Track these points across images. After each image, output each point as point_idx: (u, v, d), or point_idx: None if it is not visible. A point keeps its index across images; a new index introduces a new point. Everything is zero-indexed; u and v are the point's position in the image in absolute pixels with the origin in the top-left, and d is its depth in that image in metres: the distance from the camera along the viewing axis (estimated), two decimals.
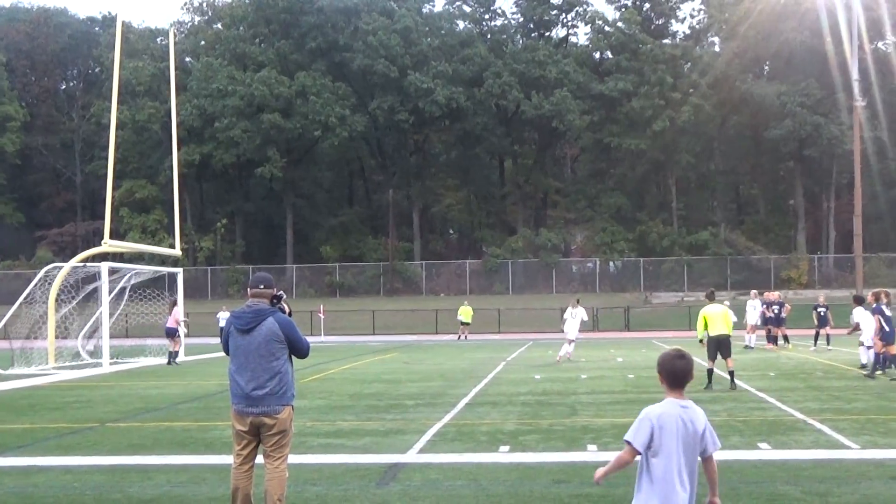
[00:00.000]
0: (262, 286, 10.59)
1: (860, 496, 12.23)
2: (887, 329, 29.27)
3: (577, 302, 38.65)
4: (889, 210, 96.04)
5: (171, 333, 41.37)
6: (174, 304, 42.19)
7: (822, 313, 44.29)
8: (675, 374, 7.09)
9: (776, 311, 44.66)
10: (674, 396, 7.12)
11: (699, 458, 7.14)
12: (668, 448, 6.98)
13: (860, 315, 32.51)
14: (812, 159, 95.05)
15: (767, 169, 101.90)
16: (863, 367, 31.91)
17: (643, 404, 21.30)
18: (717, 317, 26.03)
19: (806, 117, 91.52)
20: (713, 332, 25.87)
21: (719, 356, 26.04)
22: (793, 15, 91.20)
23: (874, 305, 29.77)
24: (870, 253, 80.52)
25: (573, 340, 38.04)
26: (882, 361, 29.84)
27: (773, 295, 47.67)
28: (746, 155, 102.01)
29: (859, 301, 33.69)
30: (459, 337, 64.87)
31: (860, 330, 32.29)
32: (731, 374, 26.31)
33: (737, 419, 19.41)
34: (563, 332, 38.85)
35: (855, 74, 65.88)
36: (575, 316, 37.72)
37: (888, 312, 29.56)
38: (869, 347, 31.76)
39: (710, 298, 26.90)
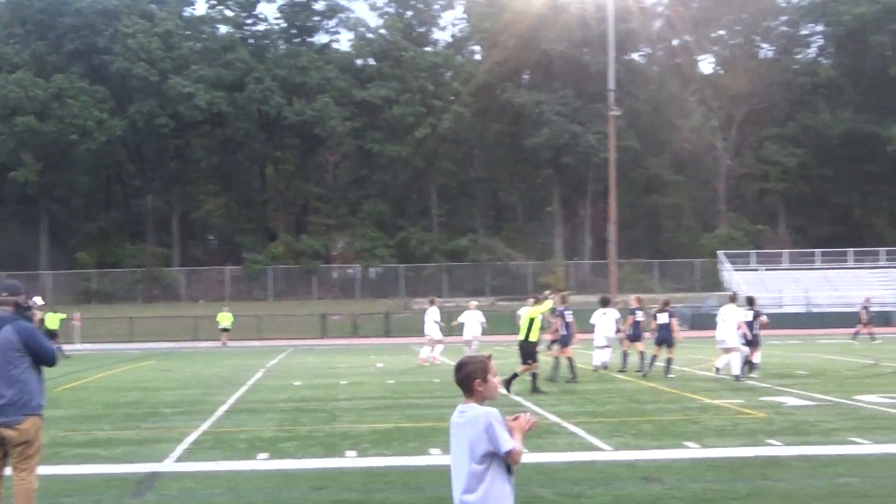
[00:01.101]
0: (4, 293, 10.24)
1: (612, 497, 12.57)
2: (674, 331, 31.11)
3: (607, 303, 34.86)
4: (643, 217, 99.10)
5: None
6: None
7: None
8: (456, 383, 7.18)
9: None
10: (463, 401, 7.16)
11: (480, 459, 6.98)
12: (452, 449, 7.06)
13: (597, 318, 33.85)
14: (569, 167, 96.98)
15: (526, 176, 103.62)
16: (595, 369, 33.42)
17: (403, 410, 21.41)
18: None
19: (564, 126, 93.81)
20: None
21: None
22: (552, 26, 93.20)
23: (666, 309, 31.48)
24: (624, 259, 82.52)
25: (606, 346, 34.42)
26: (648, 359, 31.35)
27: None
28: (506, 162, 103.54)
29: (605, 303, 34.73)
30: (224, 343, 64.13)
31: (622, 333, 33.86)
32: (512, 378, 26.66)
33: None
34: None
35: (611, 84, 67.74)
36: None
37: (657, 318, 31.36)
38: (605, 349, 33.50)
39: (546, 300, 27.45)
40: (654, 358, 31.30)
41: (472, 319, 39.22)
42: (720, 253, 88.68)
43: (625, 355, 33.51)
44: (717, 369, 30.36)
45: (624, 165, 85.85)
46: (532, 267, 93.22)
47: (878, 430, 18.22)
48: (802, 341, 52.15)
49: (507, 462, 6.79)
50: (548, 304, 27.28)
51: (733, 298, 31.92)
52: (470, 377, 6.94)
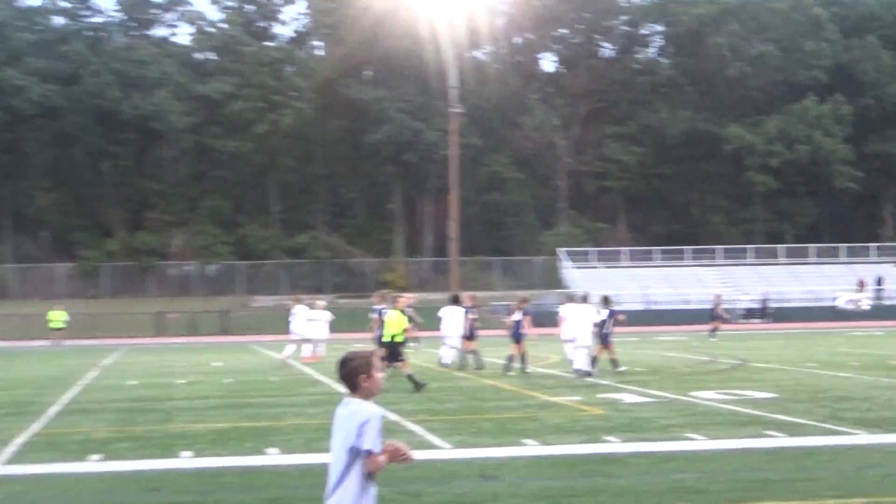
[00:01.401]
0: None
1: (452, 495, 12.58)
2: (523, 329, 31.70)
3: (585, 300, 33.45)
4: (483, 214, 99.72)
5: None
6: None
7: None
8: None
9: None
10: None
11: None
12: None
13: (447, 313, 34.26)
14: (410, 164, 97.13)
15: (367, 173, 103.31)
16: (444, 365, 34.07)
17: (241, 409, 21.19)
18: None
19: (405, 123, 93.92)
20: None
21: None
22: (395, 22, 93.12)
23: (521, 308, 32.28)
24: (465, 257, 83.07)
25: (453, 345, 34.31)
26: (509, 360, 31.69)
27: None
28: (347, 159, 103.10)
29: (454, 300, 35.12)
30: (55, 342, 62.75)
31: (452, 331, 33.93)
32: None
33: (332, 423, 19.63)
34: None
35: (452, 81, 68.03)
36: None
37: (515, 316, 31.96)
38: (453, 347, 34.05)
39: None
40: (510, 357, 31.78)
41: (319, 318, 39.17)
42: (560, 251, 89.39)
43: (464, 354, 33.77)
44: (576, 368, 30.44)
45: (465, 163, 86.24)
46: (372, 264, 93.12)
47: (713, 426, 18.55)
48: (641, 339, 52.89)
49: (366, 465, 6.86)
50: (403, 302, 27.66)
51: (584, 299, 32.83)
52: (355, 372, 6.96)
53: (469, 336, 33.70)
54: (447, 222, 75.27)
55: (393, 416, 20.27)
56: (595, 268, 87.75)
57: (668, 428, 18.36)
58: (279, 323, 68.50)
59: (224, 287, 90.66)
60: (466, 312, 33.74)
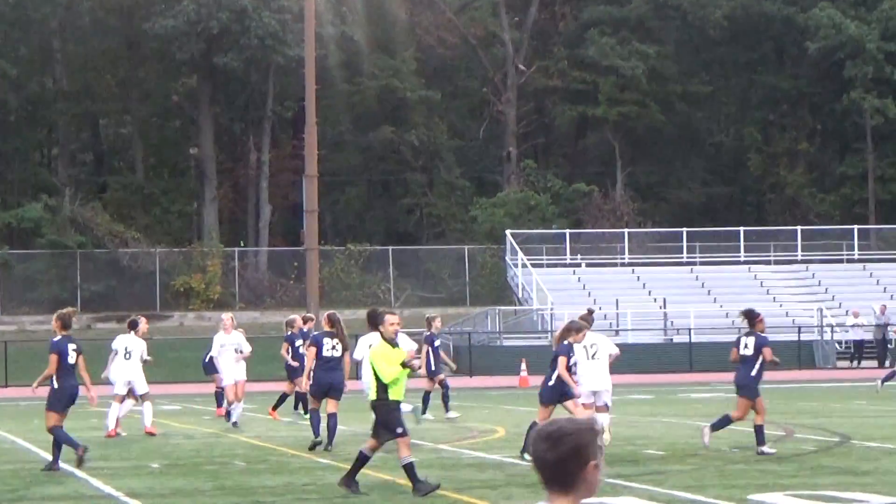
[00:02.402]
0: None
1: None
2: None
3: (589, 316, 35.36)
4: (365, 169, 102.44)
5: None
6: None
7: None
8: None
9: None
10: None
11: None
12: None
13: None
14: (229, 73, 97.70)
15: (149, 91, 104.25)
16: None
17: None
18: None
19: None
20: None
21: None
22: None
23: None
24: (330, 245, 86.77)
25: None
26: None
27: None
28: (111, 66, 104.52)
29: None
30: None
31: None
32: None
33: None
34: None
35: None
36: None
37: None
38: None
39: None
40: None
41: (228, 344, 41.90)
42: (507, 235, 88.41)
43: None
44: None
45: (332, 73, 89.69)
46: (163, 258, 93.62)
47: None
48: (654, 395, 53.83)
49: None
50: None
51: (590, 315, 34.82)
52: (579, 454, 6.68)
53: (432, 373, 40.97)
54: (298, 181, 71.69)
55: None
56: (569, 265, 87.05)
57: None
58: None
59: None
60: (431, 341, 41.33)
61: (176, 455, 33.50)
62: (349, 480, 25.75)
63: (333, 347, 33.79)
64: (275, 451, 34.13)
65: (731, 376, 33.84)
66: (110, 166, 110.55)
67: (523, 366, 61.57)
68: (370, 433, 26.46)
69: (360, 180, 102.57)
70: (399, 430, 25.58)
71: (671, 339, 78.38)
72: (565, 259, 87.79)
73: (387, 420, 25.90)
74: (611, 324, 77.46)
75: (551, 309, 73.66)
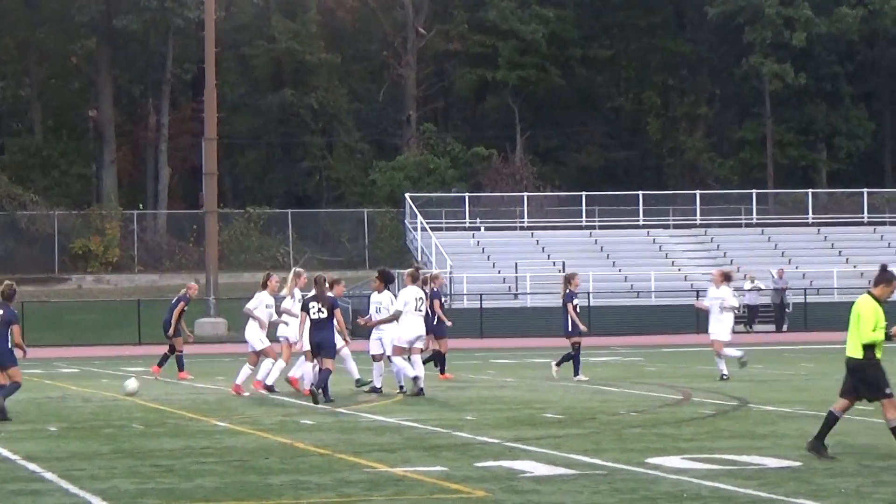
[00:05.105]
0: None
1: None
2: None
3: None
4: (264, 131, 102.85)
5: None
6: None
7: None
8: None
9: None
10: None
11: None
12: None
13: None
14: (127, 36, 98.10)
15: (47, 53, 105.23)
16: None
17: None
18: None
19: None
20: None
21: None
22: None
23: None
24: (230, 208, 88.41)
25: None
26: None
27: None
28: (8, 28, 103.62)
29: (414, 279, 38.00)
30: None
31: None
32: None
33: None
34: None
35: None
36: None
37: None
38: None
39: None
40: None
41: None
42: (407, 198, 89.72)
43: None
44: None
45: (231, 35, 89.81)
46: (62, 220, 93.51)
47: None
48: (557, 358, 50.40)
49: None
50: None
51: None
52: None
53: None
54: (197, 143, 71.37)
55: None
56: (468, 228, 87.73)
57: None
58: None
59: None
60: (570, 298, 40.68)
61: (74, 418, 33.41)
62: (817, 444, 24.20)
63: (319, 310, 34.71)
64: (173, 415, 33.74)
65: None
66: (9, 128, 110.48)
67: None
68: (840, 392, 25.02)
69: (259, 143, 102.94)
70: (888, 391, 24.46)
71: None
72: (465, 223, 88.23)
73: (876, 379, 24.57)
74: (510, 287, 78.88)
75: (450, 272, 73.52)
